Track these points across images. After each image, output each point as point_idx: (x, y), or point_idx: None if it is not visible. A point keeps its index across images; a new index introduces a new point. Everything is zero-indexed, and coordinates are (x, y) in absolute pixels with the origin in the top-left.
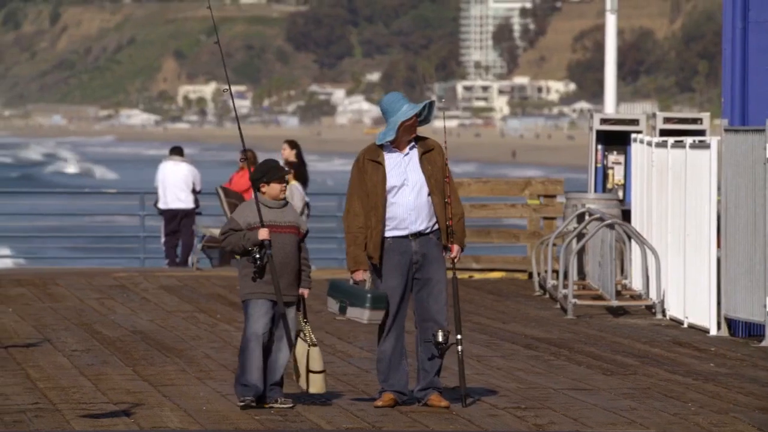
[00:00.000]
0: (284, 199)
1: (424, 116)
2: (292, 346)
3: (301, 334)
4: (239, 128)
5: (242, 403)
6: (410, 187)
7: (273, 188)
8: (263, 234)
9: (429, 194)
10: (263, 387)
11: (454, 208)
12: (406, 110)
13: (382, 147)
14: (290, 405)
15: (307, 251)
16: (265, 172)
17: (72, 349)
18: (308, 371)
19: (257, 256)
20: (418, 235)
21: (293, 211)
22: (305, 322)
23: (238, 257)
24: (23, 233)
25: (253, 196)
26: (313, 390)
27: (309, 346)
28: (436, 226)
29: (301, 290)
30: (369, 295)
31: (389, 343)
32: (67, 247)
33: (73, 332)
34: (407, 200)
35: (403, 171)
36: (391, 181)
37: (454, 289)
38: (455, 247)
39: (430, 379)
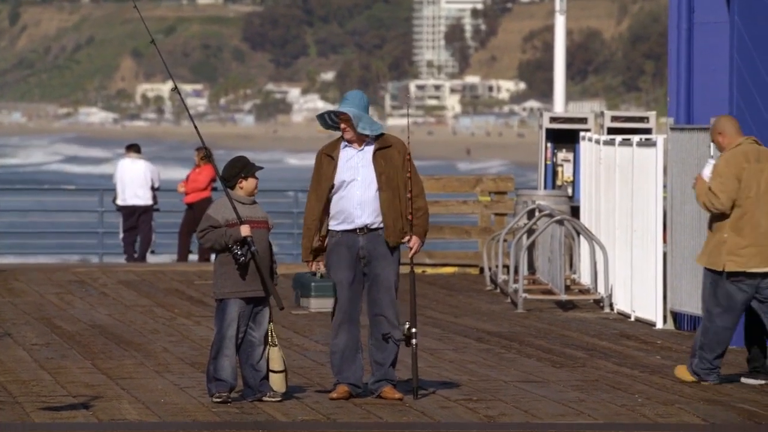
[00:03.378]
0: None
1: (332, 123)
2: (266, 341)
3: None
4: (195, 127)
5: (218, 399)
6: (360, 182)
7: (250, 183)
8: (246, 230)
9: (378, 190)
10: (253, 383)
11: (416, 202)
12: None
13: (340, 141)
14: (279, 399)
15: (272, 245)
16: (242, 167)
17: (32, 343)
18: (268, 370)
19: (239, 252)
20: (366, 230)
21: (260, 207)
22: (270, 322)
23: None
24: None
25: (223, 192)
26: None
27: (270, 346)
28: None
29: None
30: (312, 284)
31: (341, 336)
32: (26, 242)
33: (32, 326)
34: (355, 195)
35: (355, 166)
36: (341, 176)
37: (411, 282)
38: (414, 238)
39: (384, 371)
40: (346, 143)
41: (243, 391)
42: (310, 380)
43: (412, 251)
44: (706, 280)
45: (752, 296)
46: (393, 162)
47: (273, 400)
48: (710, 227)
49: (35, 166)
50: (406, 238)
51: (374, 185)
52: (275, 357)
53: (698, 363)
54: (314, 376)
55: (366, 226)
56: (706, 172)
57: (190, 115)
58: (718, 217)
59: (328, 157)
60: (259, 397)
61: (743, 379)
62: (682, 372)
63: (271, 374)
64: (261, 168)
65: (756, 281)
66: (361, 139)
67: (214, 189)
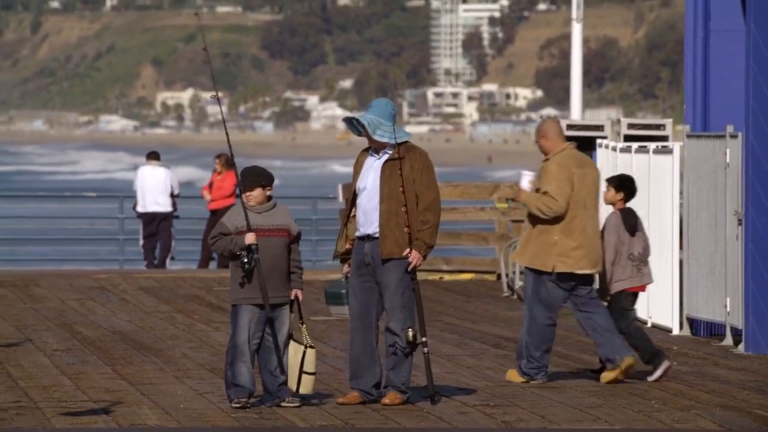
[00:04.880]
0: (271, 202)
1: (359, 130)
2: (285, 345)
3: (295, 335)
4: (227, 135)
5: (238, 405)
6: (367, 191)
7: (251, 196)
8: (250, 238)
9: (380, 201)
10: (272, 388)
11: (423, 215)
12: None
13: (368, 150)
14: (297, 404)
15: (298, 253)
16: (242, 178)
17: (53, 349)
18: (301, 371)
19: (245, 260)
20: (370, 238)
21: (284, 214)
22: (301, 324)
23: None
24: (4, 236)
25: (239, 200)
26: (303, 391)
27: (306, 347)
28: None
29: (294, 292)
30: (327, 291)
31: (356, 342)
32: (48, 249)
33: (53, 332)
34: (362, 204)
35: (369, 175)
36: (359, 183)
37: (416, 293)
38: (414, 253)
39: (387, 377)
40: (372, 151)
41: (262, 396)
42: (329, 386)
43: (411, 266)
44: (527, 280)
45: (569, 294)
46: (397, 173)
47: (292, 405)
48: (532, 228)
49: (100, 174)
50: (406, 251)
51: (377, 195)
52: (311, 359)
53: (527, 363)
54: (332, 381)
55: (368, 235)
56: (525, 184)
57: (225, 126)
58: (544, 220)
59: (357, 162)
60: (278, 403)
61: (602, 378)
62: (513, 375)
63: (304, 375)
64: (259, 183)
65: (573, 283)
66: (383, 147)
67: (238, 195)
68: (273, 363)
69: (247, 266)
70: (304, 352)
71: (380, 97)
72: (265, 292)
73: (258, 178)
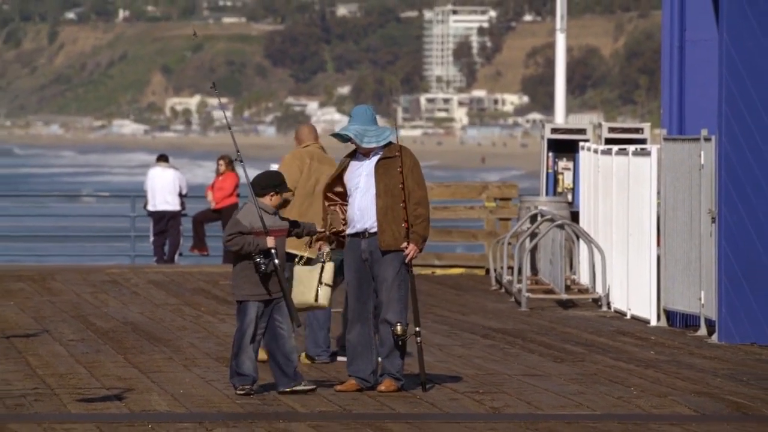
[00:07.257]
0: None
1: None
2: (291, 333)
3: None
4: (233, 136)
5: (242, 392)
6: (361, 190)
7: (276, 199)
8: (271, 242)
9: (376, 197)
10: (289, 372)
11: (415, 210)
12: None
13: (356, 151)
14: (313, 387)
15: None
16: (279, 184)
17: (68, 339)
18: (319, 283)
19: (261, 262)
20: (367, 234)
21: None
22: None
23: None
24: (23, 233)
25: (252, 200)
26: (321, 301)
27: (324, 262)
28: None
29: None
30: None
31: (353, 332)
32: (64, 245)
33: (69, 323)
34: (356, 201)
35: (360, 174)
36: (349, 183)
37: (411, 284)
38: (411, 246)
39: (382, 365)
40: (359, 153)
41: (278, 380)
42: (327, 374)
43: (408, 258)
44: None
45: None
46: (391, 171)
47: (308, 388)
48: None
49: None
50: (404, 244)
51: (373, 192)
52: (328, 272)
53: (311, 346)
54: (331, 370)
55: (366, 230)
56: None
57: (229, 125)
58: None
59: (343, 160)
60: (295, 386)
61: (339, 358)
62: (303, 357)
63: (321, 287)
64: (291, 191)
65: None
66: (371, 149)
67: (238, 195)
68: (288, 348)
69: (263, 269)
70: (323, 266)
71: (376, 102)
72: (289, 298)
73: (288, 189)
